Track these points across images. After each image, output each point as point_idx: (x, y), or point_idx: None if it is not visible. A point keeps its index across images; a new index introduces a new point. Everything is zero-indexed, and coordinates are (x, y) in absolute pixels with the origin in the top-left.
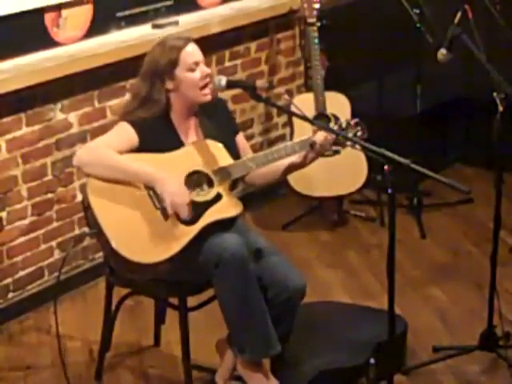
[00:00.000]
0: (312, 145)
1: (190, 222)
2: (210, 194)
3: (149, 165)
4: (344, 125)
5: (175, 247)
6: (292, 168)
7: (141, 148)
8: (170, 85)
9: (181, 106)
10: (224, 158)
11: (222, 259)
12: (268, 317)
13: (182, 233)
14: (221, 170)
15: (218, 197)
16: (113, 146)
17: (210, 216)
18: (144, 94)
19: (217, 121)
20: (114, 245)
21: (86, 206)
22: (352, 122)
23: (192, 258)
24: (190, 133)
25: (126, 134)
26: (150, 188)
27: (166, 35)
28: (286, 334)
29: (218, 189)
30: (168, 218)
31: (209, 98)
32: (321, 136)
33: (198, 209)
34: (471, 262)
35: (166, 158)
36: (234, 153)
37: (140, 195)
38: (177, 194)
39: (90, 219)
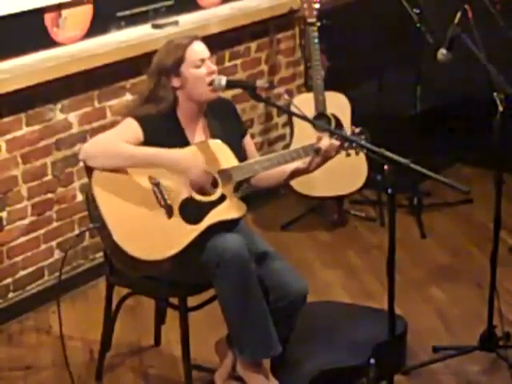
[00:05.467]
0: (317, 151)
1: (194, 221)
2: (215, 195)
3: None
4: (349, 133)
5: (177, 246)
6: (297, 173)
7: (146, 145)
8: (176, 82)
9: (188, 105)
10: (229, 160)
11: (223, 259)
12: (269, 317)
13: (185, 232)
14: (226, 172)
15: (222, 198)
16: (118, 140)
17: (213, 217)
18: (149, 92)
19: (225, 122)
20: (116, 239)
21: (90, 200)
22: (357, 131)
23: (193, 258)
24: (198, 133)
25: (132, 129)
26: (155, 184)
27: (173, 35)
28: (284, 337)
29: (222, 190)
30: (172, 216)
31: (216, 94)
32: (326, 142)
33: (202, 209)
34: (471, 262)
35: None
36: (241, 155)
37: (145, 192)
38: (199, 165)
39: (94, 213)
